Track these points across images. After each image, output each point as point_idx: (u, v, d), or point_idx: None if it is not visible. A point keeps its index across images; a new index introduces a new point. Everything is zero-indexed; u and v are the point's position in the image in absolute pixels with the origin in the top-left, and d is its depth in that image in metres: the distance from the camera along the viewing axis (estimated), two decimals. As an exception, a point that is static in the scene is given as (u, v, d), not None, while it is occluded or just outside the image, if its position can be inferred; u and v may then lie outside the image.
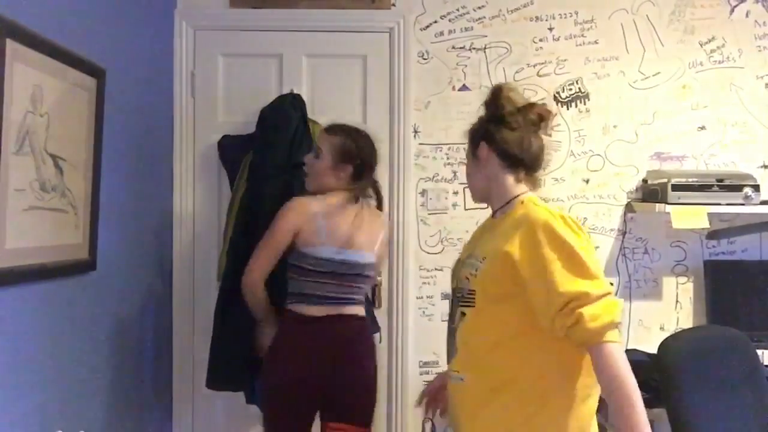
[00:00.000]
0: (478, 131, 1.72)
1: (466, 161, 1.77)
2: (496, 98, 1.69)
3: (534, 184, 1.70)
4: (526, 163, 1.67)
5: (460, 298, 1.65)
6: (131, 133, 2.38)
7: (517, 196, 1.67)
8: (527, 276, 1.51)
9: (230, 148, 2.72)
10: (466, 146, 1.76)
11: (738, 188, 2.61)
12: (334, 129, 2.25)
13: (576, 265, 1.49)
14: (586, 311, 1.44)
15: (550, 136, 1.71)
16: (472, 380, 1.61)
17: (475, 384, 1.61)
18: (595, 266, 1.52)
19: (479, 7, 2.85)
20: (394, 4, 2.85)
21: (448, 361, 1.71)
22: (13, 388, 1.68)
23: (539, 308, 1.51)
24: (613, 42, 2.87)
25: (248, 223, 2.40)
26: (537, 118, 1.67)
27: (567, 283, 1.47)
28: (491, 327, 1.59)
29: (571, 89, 2.87)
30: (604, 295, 1.48)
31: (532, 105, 1.69)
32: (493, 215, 1.73)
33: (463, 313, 1.63)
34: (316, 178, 2.23)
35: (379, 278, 2.78)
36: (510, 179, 1.68)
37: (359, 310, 2.25)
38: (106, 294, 2.18)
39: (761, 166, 2.87)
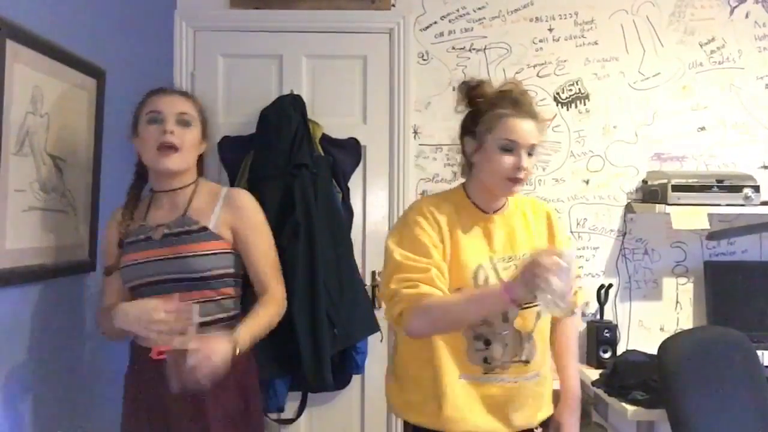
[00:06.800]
0: None
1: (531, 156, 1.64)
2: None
3: None
4: None
5: None
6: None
7: None
8: None
9: (230, 149, 2.72)
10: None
11: (738, 189, 2.61)
12: None
13: None
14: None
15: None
16: (544, 373, 1.74)
17: (546, 375, 1.75)
18: None
19: (479, 8, 2.86)
20: (394, 5, 2.85)
21: (503, 364, 1.66)
22: (14, 387, 1.68)
23: None
24: (613, 43, 2.86)
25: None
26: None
27: None
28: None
29: (571, 90, 2.87)
30: None
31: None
32: (495, 211, 1.72)
33: (539, 313, 1.69)
34: None
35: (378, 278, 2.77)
36: None
37: None
38: (106, 294, 2.18)
39: (761, 167, 2.87)
